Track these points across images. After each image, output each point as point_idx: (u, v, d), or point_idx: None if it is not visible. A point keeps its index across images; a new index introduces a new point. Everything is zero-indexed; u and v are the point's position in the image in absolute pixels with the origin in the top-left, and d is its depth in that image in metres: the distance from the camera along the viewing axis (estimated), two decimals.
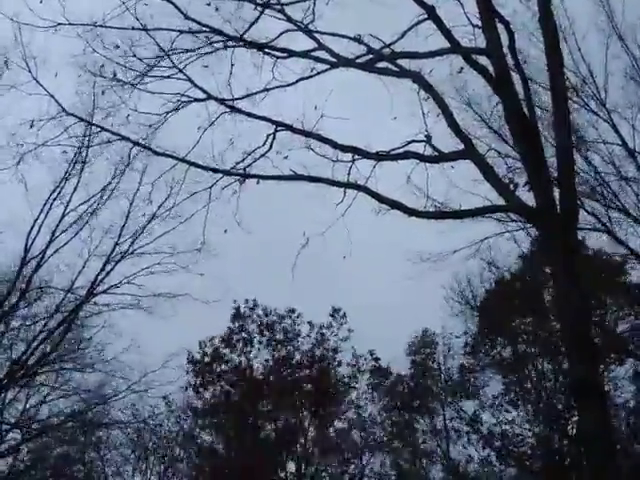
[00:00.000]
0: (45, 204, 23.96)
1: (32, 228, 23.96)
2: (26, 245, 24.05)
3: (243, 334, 37.56)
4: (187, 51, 13.73)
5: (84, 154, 22.61)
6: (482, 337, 33.94)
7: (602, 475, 10.91)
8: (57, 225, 24.14)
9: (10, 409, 25.75)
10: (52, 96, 14.39)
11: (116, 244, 24.48)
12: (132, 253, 24.61)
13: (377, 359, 37.97)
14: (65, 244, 24.31)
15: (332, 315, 37.81)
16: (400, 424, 36.65)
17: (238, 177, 13.65)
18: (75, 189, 24.15)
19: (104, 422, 27.70)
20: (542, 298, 31.84)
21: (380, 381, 37.72)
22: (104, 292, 24.70)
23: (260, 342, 37.64)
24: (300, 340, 37.73)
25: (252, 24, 13.71)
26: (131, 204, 24.22)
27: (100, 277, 24.38)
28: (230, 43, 13.98)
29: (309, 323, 37.87)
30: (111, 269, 24.51)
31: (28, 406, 26.56)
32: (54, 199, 24.08)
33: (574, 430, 29.79)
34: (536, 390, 32.34)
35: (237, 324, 37.66)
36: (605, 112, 19.88)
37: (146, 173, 22.20)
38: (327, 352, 37.59)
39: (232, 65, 13.84)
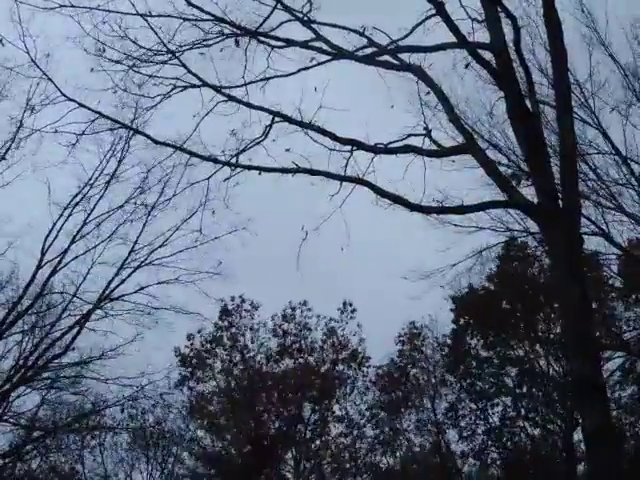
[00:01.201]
0: (66, 208, 23.69)
1: (50, 232, 23.66)
2: (42, 248, 23.66)
3: (233, 329, 37.14)
4: (193, 44, 13.38)
5: (112, 165, 23.19)
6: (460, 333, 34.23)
7: (606, 474, 10.76)
8: (78, 231, 23.86)
9: (14, 410, 25.08)
10: (50, 79, 14.01)
11: (130, 252, 24.31)
12: (148, 263, 24.45)
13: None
14: (86, 251, 24.08)
15: (342, 310, 37.59)
16: (393, 418, 36.59)
17: (236, 168, 13.28)
18: (101, 197, 24.07)
19: (108, 426, 28.04)
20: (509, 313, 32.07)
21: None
22: (117, 299, 24.40)
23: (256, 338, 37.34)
24: (309, 335, 37.61)
25: (265, 19, 13.41)
26: (149, 213, 24.37)
27: (113, 284, 24.22)
28: (227, 30, 13.71)
29: (318, 317, 37.81)
30: (127, 277, 24.37)
31: (32, 407, 25.91)
32: (76, 204, 23.80)
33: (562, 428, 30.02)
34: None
35: (226, 321, 37.22)
36: (595, 120, 19.87)
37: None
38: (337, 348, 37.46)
39: (246, 58, 13.54)
